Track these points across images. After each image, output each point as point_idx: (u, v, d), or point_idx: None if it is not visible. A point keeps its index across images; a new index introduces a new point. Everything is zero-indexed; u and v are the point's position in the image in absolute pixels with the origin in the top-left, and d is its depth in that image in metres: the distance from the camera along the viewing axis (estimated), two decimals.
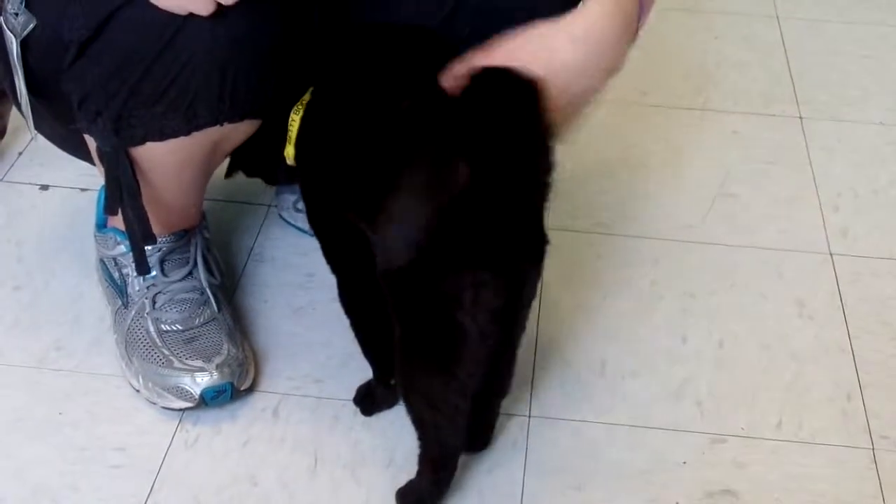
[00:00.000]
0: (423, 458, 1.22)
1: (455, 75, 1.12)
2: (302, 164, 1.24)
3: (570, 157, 1.77)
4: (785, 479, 1.30)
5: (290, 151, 1.25)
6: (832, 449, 1.34)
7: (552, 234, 1.66)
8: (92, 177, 1.28)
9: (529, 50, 1.13)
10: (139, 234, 1.26)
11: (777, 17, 2.24)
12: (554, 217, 1.69)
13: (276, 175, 1.36)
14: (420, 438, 1.20)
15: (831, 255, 1.64)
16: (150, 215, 1.26)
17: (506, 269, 1.07)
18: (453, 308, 1.07)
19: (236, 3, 1.07)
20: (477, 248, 1.06)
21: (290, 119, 1.23)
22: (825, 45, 2.16)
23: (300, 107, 1.23)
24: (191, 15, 1.10)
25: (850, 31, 2.21)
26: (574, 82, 1.14)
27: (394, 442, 1.33)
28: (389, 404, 1.36)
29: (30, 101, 1.27)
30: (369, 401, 1.36)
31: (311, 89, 1.24)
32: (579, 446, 1.33)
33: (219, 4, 1.08)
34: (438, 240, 1.06)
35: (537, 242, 1.12)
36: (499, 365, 1.20)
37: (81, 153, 1.35)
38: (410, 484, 1.24)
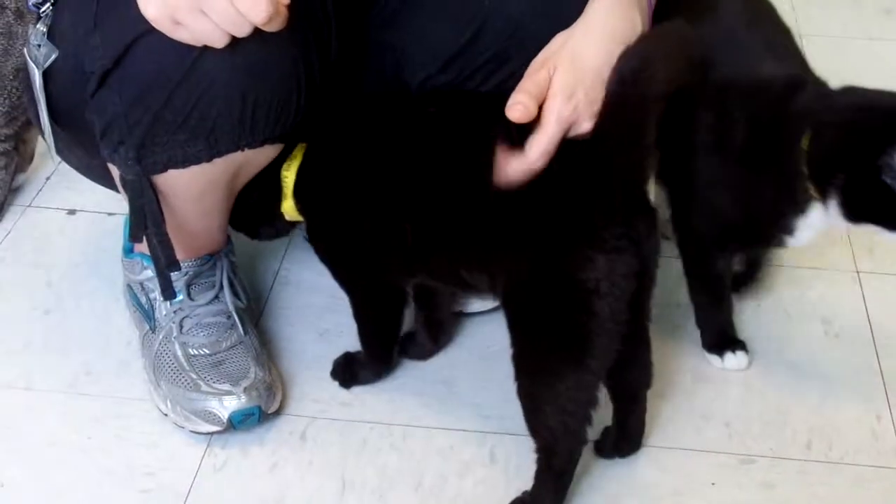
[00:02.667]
0: (547, 473, 1.23)
1: (527, 93, 1.14)
2: (324, 212, 1.30)
3: None
4: (814, 500, 1.30)
5: (287, 206, 1.32)
6: (862, 469, 1.34)
7: None
8: (119, 201, 1.29)
9: (559, 58, 1.15)
10: (164, 262, 1.27)
11: (799, 35, 2.23)
12: None
13: (259, 230, 1.42)
14: (545, 451, 1.22)
15: (858, 272, 1.63)
16: (174, 241, 1.27)
17: (637, 249, 1.11)
18: (589, 297, 1.11)
19: (251, 32, 1.07)
20: (610, 232, 1.11)
21: (283, 175, 1.30)
22: (848, 62, 2.15)
23: (291, 163, 1.30)
24: (207, 45, 1.11)
25: (874, 48, 2.21)
26: (608, 72, 1.14)
27: (422, 465, 1.33)
28: (371, 380, 1.43)
29: (55, 131, 1.28)
30: (349, 374, 1.43)
31: (301, 147, 1.29)
32: (608, 467, 1.33)
33: (233, 36, 1.08)
34: (574, 231, 1.12)
35: (650, 213, 1.16)
36: (637, 353, 1.23)
37: (106, 182, 1.36)
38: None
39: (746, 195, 1.34)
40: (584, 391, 1.18)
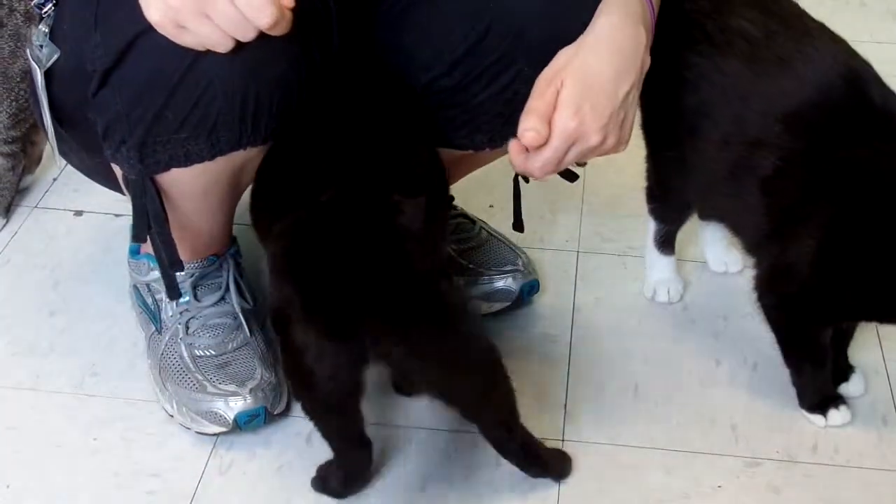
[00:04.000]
0: None
1: (537, 114, 1.15)
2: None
3: (602, 180, 1.78)
4: None
5: None
6: (867, 472, 1.33)
7: (584, 257, 1.66)
8: (125, 203, 1.30)
9: (567, 72, 1.16)
10: (167, 261, 1.27)
11: None
12: (585, 240, 1.70)
13: None
14: None
15: None
16: (178, 241, 1.27)
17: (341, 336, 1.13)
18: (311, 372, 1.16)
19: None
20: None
21: None
22: None
23: None
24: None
25: (883, 51, 2.19)
26: (615, 86, 1.16)
27: (426, 467, 1.33)
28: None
29: (59, 131, 1.29)
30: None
31: None
32: (614, 471, 1.33)
33: (237, 40, 1.08)
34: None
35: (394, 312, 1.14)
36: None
37: (110, 183, 1.37)
38: None
39: None
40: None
